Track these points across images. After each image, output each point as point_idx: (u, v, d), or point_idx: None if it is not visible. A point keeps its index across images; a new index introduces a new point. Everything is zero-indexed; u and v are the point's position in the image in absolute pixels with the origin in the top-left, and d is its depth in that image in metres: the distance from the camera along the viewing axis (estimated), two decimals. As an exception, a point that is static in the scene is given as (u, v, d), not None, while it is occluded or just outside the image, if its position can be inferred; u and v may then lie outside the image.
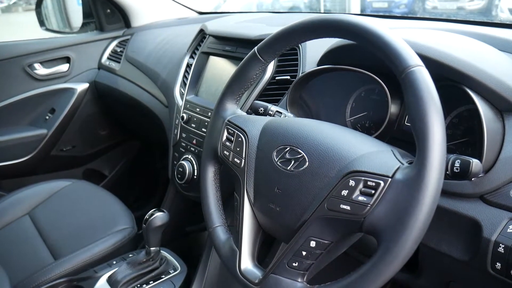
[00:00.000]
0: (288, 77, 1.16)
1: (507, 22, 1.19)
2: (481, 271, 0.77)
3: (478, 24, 1.20)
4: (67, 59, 2.12)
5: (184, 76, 1.50)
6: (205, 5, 2.44)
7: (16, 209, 1.53)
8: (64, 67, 2.12)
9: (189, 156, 1.35)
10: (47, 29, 2.20)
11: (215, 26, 1.46)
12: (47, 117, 2.08)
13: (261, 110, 1.00)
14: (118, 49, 2.14)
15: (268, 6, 7.76)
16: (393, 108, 0.96)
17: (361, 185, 0.65)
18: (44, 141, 2.03)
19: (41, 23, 2.20)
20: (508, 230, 0.73)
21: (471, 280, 0.85)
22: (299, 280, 0.72)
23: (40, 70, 2.05)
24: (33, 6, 2.23)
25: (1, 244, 1.40)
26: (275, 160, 0.78)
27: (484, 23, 1.23)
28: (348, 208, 0.65)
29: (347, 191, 0.66)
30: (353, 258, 1.07)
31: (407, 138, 0.95)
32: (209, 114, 1.30)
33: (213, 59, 1.43)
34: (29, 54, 2.01)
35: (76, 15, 2.14)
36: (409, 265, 0.64)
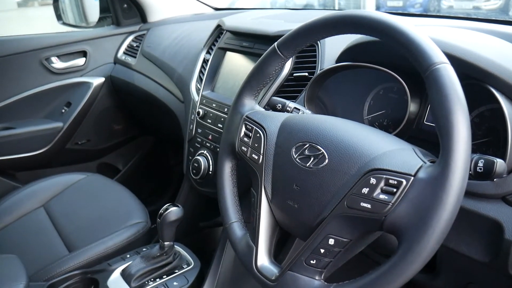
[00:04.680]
0: (306, 74, 1.15)
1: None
2: (502, 273, 0.75)
3: (498, 23, 1.18)
4: (83, 53, 2.13)
5: (201, 72, 1.50)
6: (220, 1, 2.43)
7: (31, 201, 1.54)
8: (81, 61, 2.13)
9: (205, 152, 1.35)
10: (64, 23, 2.21)
11: (232, 21, 1.46)
12: (63, 111, 2.09)
13: (279, 107, 0.99)
14: (134, 44, 2.15)
15: (282, 3, 7.74)
16: (412, 107, 0.95)
17: (382, 183, 0.64)
18: (60, 134, 2.05)
19: (58, 17, 2.21)
20: (531, 232, 0.71)
21: (491, 282, 0.84)
22: (317, 278, 0.71)
23: (57, 63, 2.06)
24: (50, 1, 2.25)
25: (16, 235, 1.42)
26: (294, 157, 0.77)
27: (504, 21, 1.21)
28: (369, 206, 0.64)
29: (367, 189, 0.65)
30: (369, 258, 1.06)
31: (426, 137, 0.94)
32: (226, 109, 1.29)
33: (230, 55, 1.43)
34: (46, 48, 2.03)
35: (93, 10, 2.15)
36: (427, 265, 0.63)
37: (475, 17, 1.32)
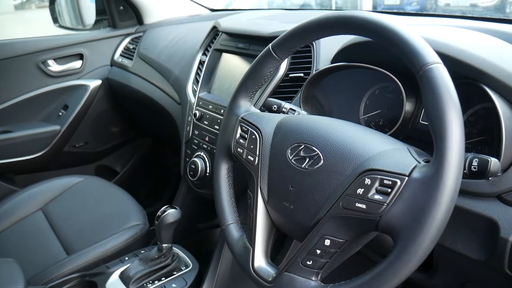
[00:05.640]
0: (302, 75, 1.15)
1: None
2: (498, 272, 0.76)
3: (493, 21, 1.18)
4: (80, 56, 2.13)
5: (197, 73, 1.50)
6: (216, 2, 2.44)
7: (30, 204, 1.54)
8: (77, 63, 2.13)
9: (202, 153, 1.35)
10: (61, 26, 2.21)
11: (228, 23, 1.46)
12: (60, 114, 2.10)
13: (274, 108, 0.99)
14: (131, 46, 2.15)
15: (279, 3, 7.73)
16: (407, 106, 0.95)
17: (377, 184, 0.64)
18: (57, 137, 2.05)
19: (55, 20, 2.21)
20: (527, 231, 0.72)
21: (487, 281, 0.84)
22: (313, 278, 0.71)
23: (54, 66, 2.07)
24: (46, 3, 2.25)
25: (15, 239, 1.42)
26: (289, 158, 0.77)
27: (499, 20, 1.21)
28: (364, 206, 0.65)
29: (362, 189, 0.65)
30: (366, 258, 1.06)
31: (421, 137, 0.95)
32: (222, 111, 1.30)
33: (226, 56, 1.43)
34: (42, 51, 2.03)
35: (89, 12, 2.15)
36: (423, 265, 0.63)
37: (470, 15, 1.32)
